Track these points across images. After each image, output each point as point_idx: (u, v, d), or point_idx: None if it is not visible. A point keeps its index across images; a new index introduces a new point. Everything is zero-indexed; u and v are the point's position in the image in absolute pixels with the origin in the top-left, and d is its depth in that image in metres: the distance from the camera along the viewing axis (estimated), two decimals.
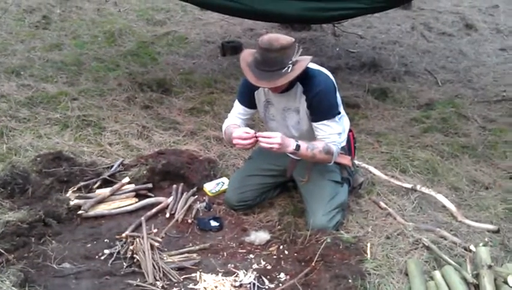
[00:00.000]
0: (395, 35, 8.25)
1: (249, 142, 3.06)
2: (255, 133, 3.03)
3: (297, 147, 3.06)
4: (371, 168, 3.97)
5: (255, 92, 3.34)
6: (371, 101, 5.59)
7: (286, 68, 2.95)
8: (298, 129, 3.31)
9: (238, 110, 3.44)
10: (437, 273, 2.80)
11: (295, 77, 2.99)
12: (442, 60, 7.22)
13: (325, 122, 3.17)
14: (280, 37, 3.00)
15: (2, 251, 2.95)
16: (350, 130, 3.57)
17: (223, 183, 3.79)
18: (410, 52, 7.44)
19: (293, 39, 3.03)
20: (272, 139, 2.97)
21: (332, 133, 3.18)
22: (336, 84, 3.24)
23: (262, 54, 2.98)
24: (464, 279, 2.71)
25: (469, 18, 9.04)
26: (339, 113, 3.27)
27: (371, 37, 8.11)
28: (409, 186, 3.75)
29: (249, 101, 3.39)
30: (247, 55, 3.15)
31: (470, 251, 3.01)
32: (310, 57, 3.11)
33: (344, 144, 3.41)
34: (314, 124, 3.20)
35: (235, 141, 3.10)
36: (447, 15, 9.33)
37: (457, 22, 8.95)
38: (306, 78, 3.14)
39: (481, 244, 2.99)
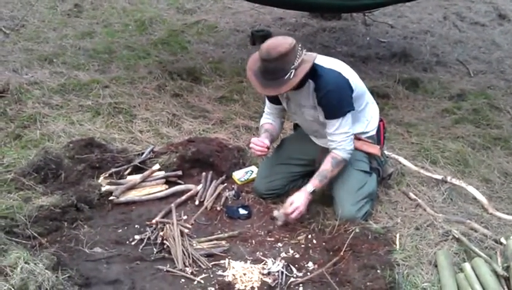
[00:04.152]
0: (426, 24, 8.14)
1: (260, 149, 3.26)
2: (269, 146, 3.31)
3: (313, 191, 3.22)
4: (401, 159, 3.95)
5: None
6: (402, 92, 5.54)
7: (289, 74, 2.96)
8: (319, 122, 3.32)
9: (267, 106, 3.54)
10: (467, 266, 2.78)
11: (298, 82, 3.01)
12: (474, 50, 7.11)
13: (333, 121, 3.18)
14: (278, 44, 2.98)
15: (36, 234, 3.02)
16: (381, 120, 3.55)
17: (252, 171, 3.80)
18: (441, 42, 7.34)
19: (293, 42, 3.01)
20: (293, 214, 3.14)
21: (341, 132, 3.20)
22: (350, 82, 3.21)
23: (262, 64, 3.02)
24: (494, 271, 2.69)
25: (502, 8, 8.87)
26: (352, 109, 3.23)
27: (402, 27, 8.02)
28: (439, 177, 3.72)
29: (272, 97, 3.42)
30: (252, 63, 3.17)
31: (501, 243, 2.99)
32: (314, 56, 3.11)
33: (359, 138, 3.43)
34: (326, 120, 3.22)
35: (251, 145, 3.31)
36: (479, 5, 9.16)
37: (490, 12, 8.79)
38: (316, 75, 3.15)
39: None
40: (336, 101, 3.16)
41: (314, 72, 3.13)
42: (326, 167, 3.23)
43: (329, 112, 3.18)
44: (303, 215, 3.22)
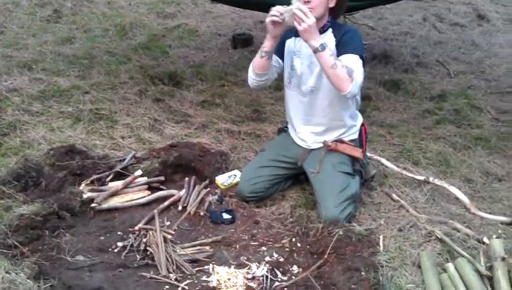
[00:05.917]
0: (406, 26, 8.18)
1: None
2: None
3: (323, 46, 3.00)
4: (383, 160, 3.96)
5: (287, 41, 3.40)
6: (383, 93, 5.56)
7: None
8: (320, 78, 3.30)
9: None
10: (450, 266, 2.78)
11: None
12: (454, 51, 7.16)
13: (350, 55, 3.14)
14: None
15: (17, 243, 2.97)
16: (362, 124, 3.58)
17: (235, 175, 3.79)
18: (422, 44, 7.38)
19: None
20: (305, 18, 2.95)
21: (357, 69, 3.08)
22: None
23: None
24: (478, 271, 2.69)
25: (481, 9, 8.95)
26: (364, 60, 3.22)
27: (382, 29, 8.06)
28: (422, 178, 3.73)
29: (278, 47, 3.36)
30: None
31: (484, 243, 3.00)
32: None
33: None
34: (340, 57, 3.13)
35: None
36: (459, 6, 9.24)
37: (469, 13, 8.86)
38: (337, 25, 3.34)
39: (494, 236, 2.98)
40: (355, 40, 3.24)
41: (336, 23, 3.34)
42: (341, 60, 3.08)
43: (348, 46, 3.17)
44: (308, 26, 2.94)
